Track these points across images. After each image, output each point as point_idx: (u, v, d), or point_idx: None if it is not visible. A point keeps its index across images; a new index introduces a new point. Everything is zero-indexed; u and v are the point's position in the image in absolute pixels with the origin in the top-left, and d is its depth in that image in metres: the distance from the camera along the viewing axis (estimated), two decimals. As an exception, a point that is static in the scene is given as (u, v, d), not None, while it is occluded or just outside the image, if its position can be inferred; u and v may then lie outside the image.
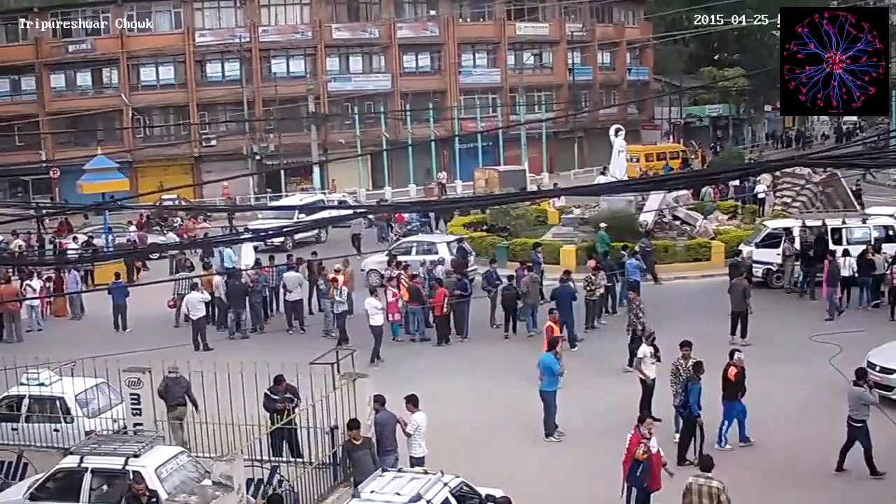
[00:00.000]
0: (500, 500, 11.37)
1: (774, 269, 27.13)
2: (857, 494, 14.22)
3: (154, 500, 12.04)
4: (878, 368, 17.26)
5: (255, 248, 33.09)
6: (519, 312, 24.18)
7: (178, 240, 37.75)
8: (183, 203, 49.81)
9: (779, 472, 14.94)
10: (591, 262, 25.28)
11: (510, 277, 24.73)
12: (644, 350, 17.21)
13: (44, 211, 40.37)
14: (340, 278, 24.78)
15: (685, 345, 16.00)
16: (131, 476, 12.39)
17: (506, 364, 20.86)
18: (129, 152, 54.92)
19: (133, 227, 40.03)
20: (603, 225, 29.83)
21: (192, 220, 41.87)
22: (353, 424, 13.24)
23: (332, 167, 56.99)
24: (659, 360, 17.16)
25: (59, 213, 41.82)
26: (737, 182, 40.02)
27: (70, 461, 13.08)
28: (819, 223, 27.88)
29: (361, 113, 58.50)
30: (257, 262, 28.55)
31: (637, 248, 27.13)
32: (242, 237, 28.67)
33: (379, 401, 14.11)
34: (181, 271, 29.02)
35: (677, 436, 15.44)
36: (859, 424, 14.44)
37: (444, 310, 23.41)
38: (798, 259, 26.68)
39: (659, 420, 16.40)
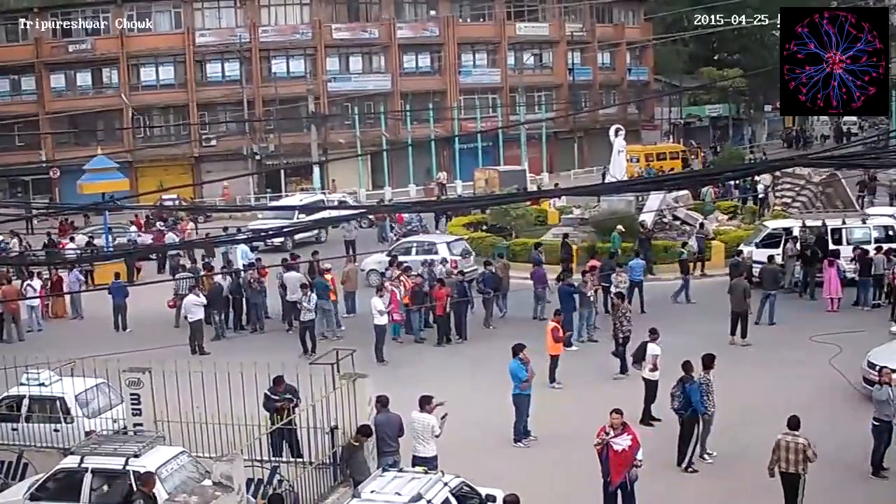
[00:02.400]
0: (508, 498, 11.33)
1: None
2: (857, 493, 14.23)
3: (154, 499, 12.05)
4: (878, 369, 17.23)
5: (255, 249, 33.22)
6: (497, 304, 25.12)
7: (176, 240, 37.77)
8: (183, 203, 49.81)
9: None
10: (592, 262, 25.29)
11: (486, 264, 25.92)
12: (655, 349, 17.17)
13: (33, 212, 40.53)
14: (329, 277, 24.86)
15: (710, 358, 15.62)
16: (132, 476, 12.39)
17: (503, 365, 20.81)
18: (129, 152, 54.90)
19: (134, 228, 40.13)
20: (620, 228, 29.92)
21: (184, 220, 41.88)
22: (365, 430, 13.26)
23: (332, 167, 57.01)
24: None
25: (55, 214, 41.87)
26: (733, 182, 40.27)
27: (70, 461, 13.06)
28: (819, 223, 27.89)
29: (361, 113, 58.49)
30: (257, 262, 28.59)
31: (693, 241, 28.96)
32: (239, 238, 28.63)
33: (381, 402, 14.09)
34: (177, 272, 29.00)
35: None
36: (875, 423, 14.56)
37: (446, 310, 23.43)
38: (798, 259, 26.69)
39: (659, 420, 16.49)
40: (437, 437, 14.03)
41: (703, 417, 15.08)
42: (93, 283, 31.62)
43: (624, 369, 19.97)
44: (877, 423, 14.52)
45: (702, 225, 31.07)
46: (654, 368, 17.04)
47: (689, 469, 15.06)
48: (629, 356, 19.04)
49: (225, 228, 37.70)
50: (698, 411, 14.97)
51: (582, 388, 19.47)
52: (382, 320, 22.28)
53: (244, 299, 25.90)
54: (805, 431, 15.06)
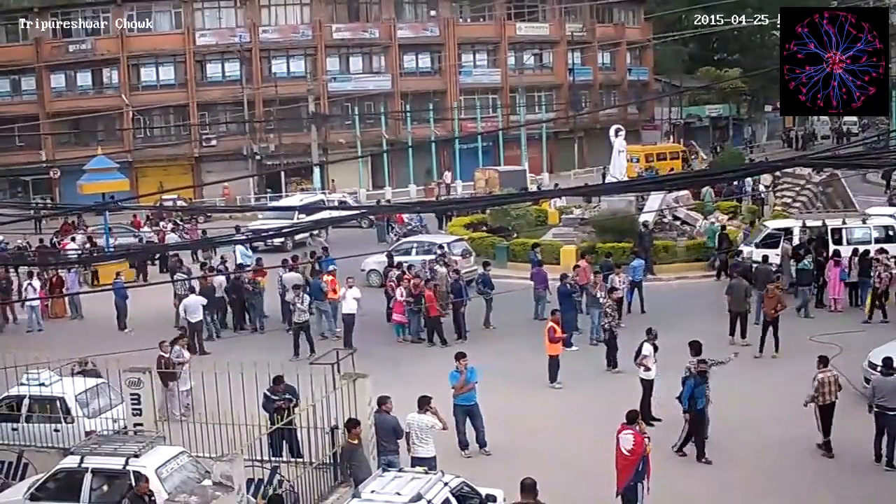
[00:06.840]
0: (526, 481, 11.20)
1: (774, 269, 27.06)
2: (856, 492, 14.23)
3: (153, 499, 12.04)
4: (878, 368, 17.21)
5: (256, 249, 33.23)
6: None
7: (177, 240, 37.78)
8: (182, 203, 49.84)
9: (778, 471, 14.95)
10: (583, 262, 25.32)
11: (485, 264, 26.10)
12: (647, 348, 17.21)
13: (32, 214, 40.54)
14: (328, 278, 24.89)
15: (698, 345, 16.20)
16: (132, 476, 12.40)
17: (503, 365, 20.83)
18: (129, 152, 54.93)
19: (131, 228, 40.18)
20: (719, 221, 30.52)
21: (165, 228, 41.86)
22: (352, 423, 13.26)
23: (332, 167, 57.02)
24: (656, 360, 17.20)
25: (54, 215, 41.85)
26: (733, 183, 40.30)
27: (70, 461, 13.07)
28: (819, 223, 27.87)
29: (361, 113, 58.53)
30: (258, 262, 28.58)
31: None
32: (239, 237, 28.60)
33: (383, 402, 14.09)
34: (176, 272, 29.00)
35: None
36: (893, 413, 14.58)
37: (437, 311, 23.48)
38: (792, 259, 26.65)
39: (659, 420, 16.50)
40: (445, 429, 14.25)
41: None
42: (97, 283, 31.65)
43: (609, 364, 20.38)
44: (891, 414, 14.63)
45: (723, 227, 30.89)
46: (647, 369, 17.07)
47: (679, 453, 15.51)
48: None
49: (237, 228, 37.70)
50: (682, 406, 15.43)
51: (582, 388, 19.46)
52: (349, 310, 23.02)
53: (242, 300, 25.87)
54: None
